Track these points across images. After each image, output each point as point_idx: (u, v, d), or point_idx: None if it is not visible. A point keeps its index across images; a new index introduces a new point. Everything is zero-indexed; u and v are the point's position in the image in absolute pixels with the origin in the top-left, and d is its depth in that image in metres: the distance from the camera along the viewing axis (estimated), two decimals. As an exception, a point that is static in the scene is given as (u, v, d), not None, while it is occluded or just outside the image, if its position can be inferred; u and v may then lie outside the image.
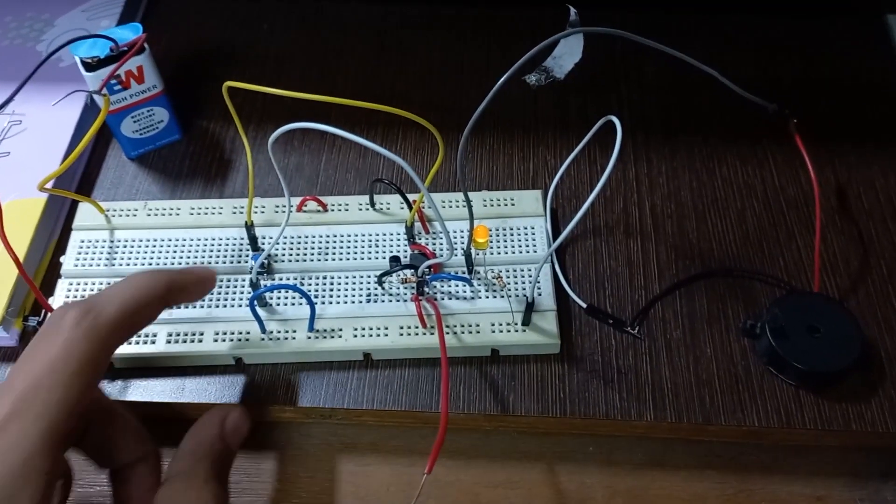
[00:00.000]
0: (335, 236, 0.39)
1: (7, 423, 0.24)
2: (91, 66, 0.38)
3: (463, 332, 0.36)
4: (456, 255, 0.37)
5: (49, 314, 0.27)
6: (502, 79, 0.30)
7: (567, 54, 0.43)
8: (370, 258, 0.38)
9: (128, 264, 0.38)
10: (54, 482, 0.25)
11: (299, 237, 0.39)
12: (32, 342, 0.27)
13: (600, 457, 0.36)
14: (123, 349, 0.35)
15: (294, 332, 0.36)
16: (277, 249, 0.38)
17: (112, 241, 0.39)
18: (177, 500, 0.29)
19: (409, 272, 0.36)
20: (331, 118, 0.45)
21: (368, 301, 0.36)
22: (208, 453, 0.31)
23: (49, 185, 0.35)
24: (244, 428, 0.33)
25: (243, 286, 0.37)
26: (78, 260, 0.38)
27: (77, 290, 0.37)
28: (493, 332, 0.35)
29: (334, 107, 0.48)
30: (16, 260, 0.33)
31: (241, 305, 0.36)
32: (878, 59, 0.47)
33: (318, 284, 0.37)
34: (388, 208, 0.40)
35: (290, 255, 0.38)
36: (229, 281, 0.37)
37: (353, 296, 0.37)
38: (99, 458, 0.30)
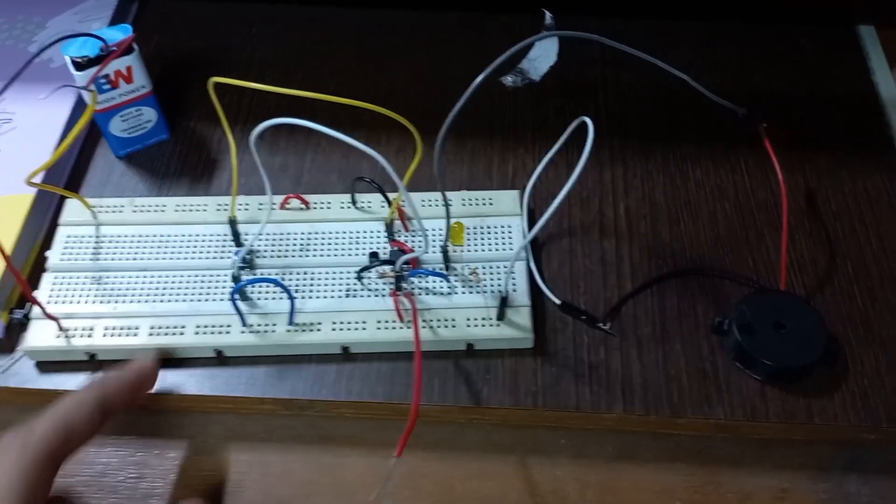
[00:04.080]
0: (317, 233, 0.40)
1: None
2: (81, 65, 0.39)
3: (439, 327, 0.36)
4: (434, 252, 0.38)
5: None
6: (476, 80, 0.31)
7: (542, 57, 0.44)
8: (350, 254, 0.39)
9: (112, 259, 0.39)
10: None
11: (282, 234, 0.40)
12: None
13: (572, 450, 0.36)
14: (107, 341, 0.36)
15: (274, 325, 0.36)
16: (260, 245, 0.39)
17: (98, 237, 0.39)
18: None
19: (387, 267, 0.37)
20: (316, 119, 0.47)
21: (348, 296, 0.37)
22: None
23: (37, 180, 0.36)
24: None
25: (225, 281, 0.38)
26: (64, 255, 0.39)
27: (62, 284, 0.38)
28: (469, 326, 0.36)
29: (319, 108, 0.49)
30: (2, 252, 0.33)
31: (222, 299, 0.37)
32: (849, 67, 0.49)
33: (298, 279, 0.38)
34: (370, 206, 0.41)
35: (272, 251, 0.39)
36: (212, 276, 0.38)
37: (333, 291, 0.38)
38: None
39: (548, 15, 0.44)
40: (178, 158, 0.45)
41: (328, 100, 0.32)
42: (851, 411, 0.35)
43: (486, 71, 0.31)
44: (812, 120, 0.46)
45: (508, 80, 0.45)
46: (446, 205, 0.35)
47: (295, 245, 0.39)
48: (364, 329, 0.36)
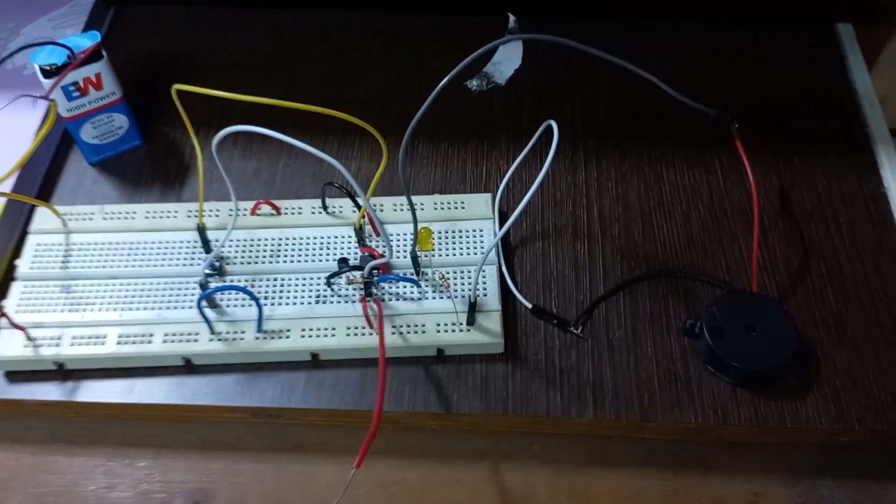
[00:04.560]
0: (287, 239, 0.39)
1: None
2: (49, 72, 0.39)
3: (409, 332, 0.36)
4: (401, 257, 0.38)
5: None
6: (439, 86, 0.31)
7: (507, 60, 0.44)
8: (321, 260, 0.39)
9: (83, 267, 0.38)
10: None
11: (252, 240, 0.39)
12: None
13: (544, 455, 0.36)
14: (74, 350, 0.36)
15: (243, 332, 0.36)
16: (230, 252, 0.39)
17: (68, 245, 0.39)
18: None
19: (356, 273, 0.37)
20: (289, 124, 0.47)
21: (317, 302, 0.37)
22: None
23: (5, 189, 0.36)
24: None
25: (194, 288, 0.37)
26: (34, 263, 0.39)
27: (31, 293, 0.38)
28: (439, 331, 0.36)
29: (293, 111, 0.49)
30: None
31: (191, 307, 0.37)
32: (826, 65, 0.48)
33: (268, 286, 0.38)
34: (341, 211, 0.40)
35: (242, 257, 0.39)
36: (181, 283, 0.38)
37: (303, 297, 0.37)
38: None
39: (511, 18, 0.44)
40: (151, 164, 0.45)
41: (293, 107, 0.32)
42: (824, 414, 0.34)
43: (447, 77, 0.31)
44: (788, 119, 0.46)
45: (473, 84, 0.45)
46: (412, 210, 0.34)
47: (265, 251, 0.39)
48: (333, 336, 0.36)
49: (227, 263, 0.39)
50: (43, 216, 0.40)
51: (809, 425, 0.34)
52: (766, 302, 0.36)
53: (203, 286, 0.36)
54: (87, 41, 0.40)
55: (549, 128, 0.33)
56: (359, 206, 0.39)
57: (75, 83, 0.41)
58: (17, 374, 0.36)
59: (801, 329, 0.36)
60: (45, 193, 0.43)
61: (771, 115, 0.46)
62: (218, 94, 0.32)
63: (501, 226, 0.40)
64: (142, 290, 0.38)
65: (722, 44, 0.50)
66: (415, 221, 0.35)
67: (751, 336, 0.35)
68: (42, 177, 0.44)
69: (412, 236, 0.38)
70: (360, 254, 0.39)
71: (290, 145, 0.29)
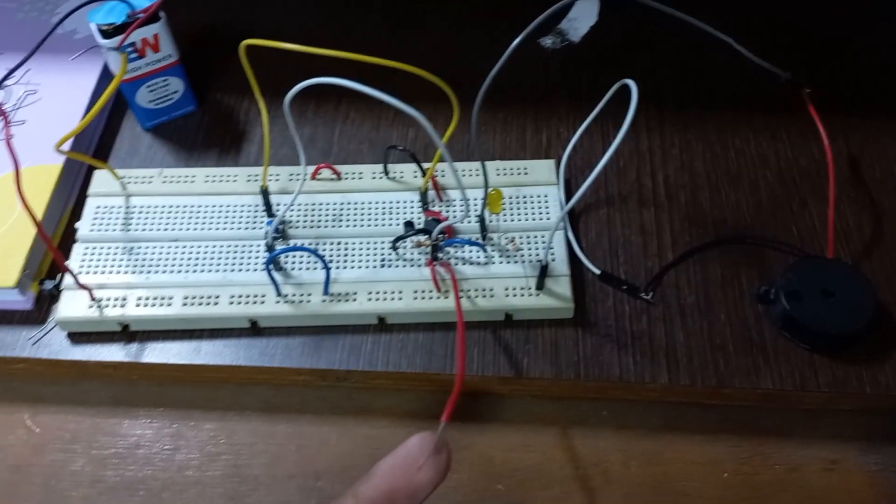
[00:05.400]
0: (349, 203, 0.39)
1: None
2: (107, 33, 0.39)
3: (477, 297, 0.36)
4: (470, 221, 0.37)
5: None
6: (516, 40, 0.30)
7: (583, 17, 0.43)
8: (384, 225, 0.38)
9: (143, 230, 0.38)
10: None
11: (314, 204, 0.39)
12: None
13: (615, 421, 0.36)
14: (140, 311, 0.35)
15: (309, 295, 0.36)
16: (292, 216, 0.38)
17: (127, 208, 0.39)
18: None
19: (422, 237, 0.37)
20: (345, 89, 0.46)
21: (383, 266, 0.37)
22: None
23: (66, 148, 0.35)
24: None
25: (258, 251, 0.37)
26: (94, 225, 0.38)
27: (93, 255, 0.37)
28: (507, 296, 0.36)
29: (351, 76, 0.48)
30: (35, 222, 0.33)
31: (256, 269, 0.36)
32: (891, 29, 0.47)
33: (332, 250, 0.37)
34: (402, 176, 0.40)
35: (305, 221, 0.38)
36: (245, 246, 0.37)
37: (368, 261, 0.37)
38: None
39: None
40: (206, 130, 0.44)
41: (363, 60, 0.31)
42: (903, 380, 0.34)
43: (525, 30, 0.30)
44: (852, 84, 0.45)
45: (547, 41, 0.44)
46: (484, 171, 0.34)
47: (328, 215, 0.38)
48: (400, 299, 0.36)
49: (290, 227, 0.38)
50: (101, 179, 0.40)
51: (889, 391, 0.33)
52: (842, 267, 0.36)
53: (270, 248, 0.36)
54: (144, 1, 0.39)
55: (620, 89, 0.32)
56: (423, 170, 0.39)
57: (132, 44, 0.40)
58: (81, 336, 0.36)
59: (878, 294, 0.35)
60: (100, 158, 0.43)
61: (835, 80, 0.45)
62: (291, 48, 0.32)
63: (567, 193, 0.40)
64: (205, 252, 0.37)
65: (785, 5, 0.49)
66: (486, 182, 0.34)
67: (829, 301, 0.34)
68: (96, 142, 0.44)
69: (479, 201, 0.37)
70: (424, 218, 0.38)
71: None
